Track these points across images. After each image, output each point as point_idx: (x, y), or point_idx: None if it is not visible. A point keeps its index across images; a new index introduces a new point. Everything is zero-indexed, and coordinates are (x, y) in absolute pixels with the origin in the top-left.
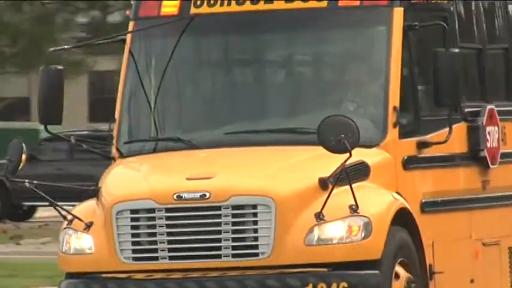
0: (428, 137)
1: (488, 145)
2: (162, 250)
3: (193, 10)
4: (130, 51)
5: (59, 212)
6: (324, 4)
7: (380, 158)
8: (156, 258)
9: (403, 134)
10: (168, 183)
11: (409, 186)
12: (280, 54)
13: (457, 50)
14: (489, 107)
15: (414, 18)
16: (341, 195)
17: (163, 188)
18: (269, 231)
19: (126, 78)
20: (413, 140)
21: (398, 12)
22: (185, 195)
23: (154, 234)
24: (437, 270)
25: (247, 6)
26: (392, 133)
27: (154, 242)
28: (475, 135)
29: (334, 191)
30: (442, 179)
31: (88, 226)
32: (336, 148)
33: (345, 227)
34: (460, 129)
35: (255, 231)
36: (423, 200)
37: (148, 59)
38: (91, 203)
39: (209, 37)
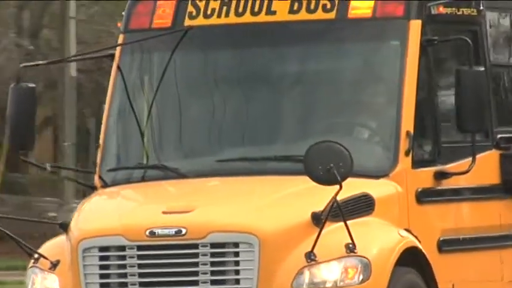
0: (449, 167)
1: None
2: None
3: (187, 22)
4: (118, 67)
5: (23, 249)
6: (332, 15)
7: (388, 190)
8: None
9: (418, 163)
10: (141, 218)
11: (423, 222)
12: (281, 72)
13: (482, 69)
14: None
15: (436, 32)
16: (337, 232)
17: (136, 223)
18: (252, 273)
19: (113, 98)
20: (430, 170)
21: (415, 25)
22: (159, 231)
23: (124, 275)
24: None
25: (247, 18)
26: (404, 162)
27: (125, 284)
28: (509, 165)
29: (329, 228)
30: (465, 214)
31: (54, 265)
32: (324, 179)
33: (340, 269)
34: (490, 157)
35: (237, 272)
36: (441, 238)
37: (138, 77)
38: (61, 239)
39: (204, 52)
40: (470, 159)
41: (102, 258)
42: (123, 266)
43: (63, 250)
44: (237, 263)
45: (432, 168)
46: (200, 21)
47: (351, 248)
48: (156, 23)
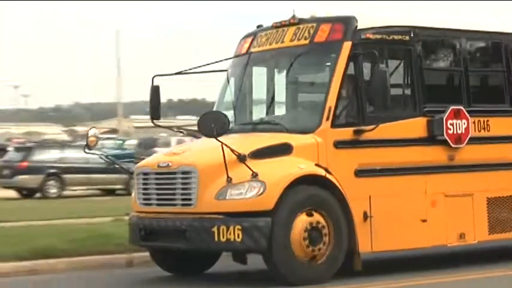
0: (365, 127)
1: (450, 132)
2: (153, 196)
3: (252, 49)
4: (226, 78)
5: (122, 170)
6: (307, 41)
7: (308, 140)
8: (150, 201)
9: (339, 125)
10: (160, 156)
11: (340, 160)
12: (274, 77)
13: (385, 69)
14: (453, 107)
15: (369, 49)
16: (252, 166)
17: (154, 159)
18: (195, 190)
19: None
20: (349, 129)
21: (346, 45)
22: (160, 164)
23: (148, 188)
24: (375, 215)
25: (271, 46)
26: (325, 124)
27: (149, 194)
28: (432, 126)
29: (250, 163)
30: (389, 154)
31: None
32: (208, 133)
33: (245, 188)
34: (417, 122)
35: (190, 189)
36: (358, 168)
37: (229, 84)
38: None
39: (254, 69)
40: (390, 123)
41: (143, 179)
42: (150, 184)
43: None
44: (190, 183)
45: (351, 128)
46: (256, 48)
47: (254, 175)
48: (243, 50)
